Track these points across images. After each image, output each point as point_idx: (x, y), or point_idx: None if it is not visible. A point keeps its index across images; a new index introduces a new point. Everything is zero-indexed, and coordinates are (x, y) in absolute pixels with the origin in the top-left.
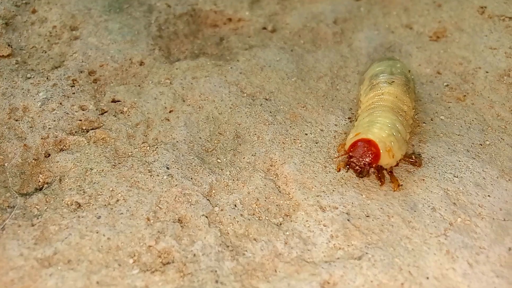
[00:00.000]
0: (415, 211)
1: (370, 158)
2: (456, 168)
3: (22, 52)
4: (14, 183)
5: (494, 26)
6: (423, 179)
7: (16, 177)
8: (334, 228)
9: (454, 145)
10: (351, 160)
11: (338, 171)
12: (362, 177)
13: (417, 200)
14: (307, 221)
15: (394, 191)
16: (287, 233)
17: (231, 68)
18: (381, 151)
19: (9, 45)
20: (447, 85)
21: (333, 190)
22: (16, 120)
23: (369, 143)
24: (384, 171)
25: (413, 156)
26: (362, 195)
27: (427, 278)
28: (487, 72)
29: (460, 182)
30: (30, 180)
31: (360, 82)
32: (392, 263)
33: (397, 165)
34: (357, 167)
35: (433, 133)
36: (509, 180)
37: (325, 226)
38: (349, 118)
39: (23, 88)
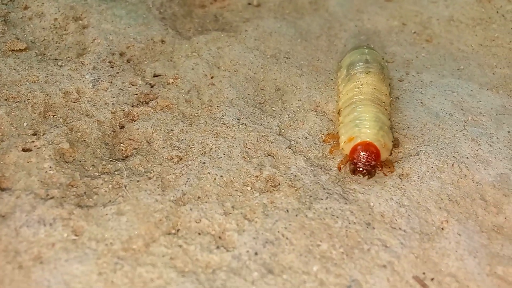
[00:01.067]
0: (438, 117)
1: (373, 160)
2: (450, 86)
3: (36, 45)
4: (103, 153)
5: None
6: (434, 96)
7: (103, 148)
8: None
9: (441, 72)
10: (357, 166)
11: (339, 170)
12: (371, 177)
13: (437, 110)
14: None
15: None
16: None
17: (245, 37)
18: (380, 149)
19: (18, 39)
20: (414, 32)
21: None
22: (74, 102)
23: (368, 145)
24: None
25: (393, 139)
26: (398, 113)
27: (467, 157)
28: (437, 19)
29: (458, 95)
30: (114, 149)
31: (337, 69)
32: (440, 153)
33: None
34: (365, 171)
35: (422, 66)
36: (487, 89)
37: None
38: None
39: (63, 75)
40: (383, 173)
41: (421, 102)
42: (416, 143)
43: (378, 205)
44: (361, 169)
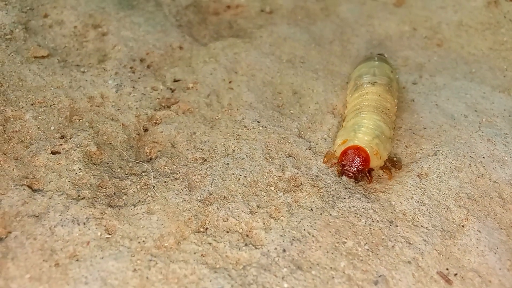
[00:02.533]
0: (454, 119)
1: (361, 164)
2: (463, 89)
3: (58, 52)
4: (129, 156)
5: None
6: (448, 99)
7: (128, 151)
8: (405, 140)
9: (454, 75)
10: (345, 168)
11: (324, 163)
12: (358, 182)
13: (452, 112)
14: None
15: (390, 179)
16: None
17: (260, 42)
18: (370, 155)
19: (40, 46)
20: (425, 37)
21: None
22: (99, 106)
23: (358, 150)
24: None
25: (394, 159)
26: (414, 115)
27: (483, 157)
28: (447, 24)
29: (472, 97)
30: (139, 152)
31: (348, 80)
32: (457, 153)
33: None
34: (352, 174)
35: (435, 69)
36: (499, 91)
37: (398, 140)
38: None
39: (86, 80)
40: (370, 181)
41: (436, 104)
42: (433, 144)
43: (399, 203)
44: (347, 171)
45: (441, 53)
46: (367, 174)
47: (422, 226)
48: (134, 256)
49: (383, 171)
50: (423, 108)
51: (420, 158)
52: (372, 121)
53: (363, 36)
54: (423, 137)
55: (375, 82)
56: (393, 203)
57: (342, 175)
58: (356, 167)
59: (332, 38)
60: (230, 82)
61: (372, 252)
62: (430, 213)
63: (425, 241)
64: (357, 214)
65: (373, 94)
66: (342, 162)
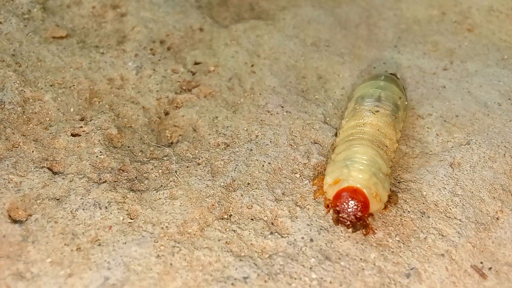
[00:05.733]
0: (487, 107)
1: (360, 210)
2: (496, 76)
3: (77, 33)
4: (150, 139)
5: None
6: (481, 86)
7: (149, 134)
8: (436, 128)
9: (486, 61)
10: (340, 216)
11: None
12: (355, 231)
13: (485, 99)
14: (413, 127)
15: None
16: (403, 138)
17: (283, 25)
18: (369, 199)
19: (58, 26)
20: (455, 21)
21: (422, 102)
22: (119, 89)
23: (355, 192)
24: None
25: (389, 194)
26: (445, 102)
27: None
28: (477, 9)
29: (505, 84)
30: (160, 136)
31: (349, 98)
32: (491, 143)
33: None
34: (349, 223)
35: (466, 55)
36: None
37: (428, 128)
38: (399, 52)
39: (106, 62)
40: (371, 228)
41: (469, 91)
42: (466, 132)
43: (431, 194)
44: (344, 220)
45: (472, 38)
46: (366, 223)
47: (455, 217)
48: (157, 242)
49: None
50: (455, 95)
51: (452, 147)
52: (368, 156)
53: (390, 20)
54: (455, 125)
55: (377, 110)
56: (425, 193)
57: (337, 224)
58: (354, 215)
59: (358, 21)
60: (252, 65)
61: (403, 243)
62: (463, 205)
63: (458, 233)
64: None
65: (372, 127)
66: (337, 208)
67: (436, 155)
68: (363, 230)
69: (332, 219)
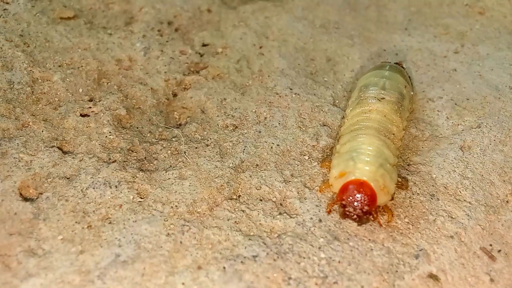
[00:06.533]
0: (498, 90)
1: (367, 204)
2: (508, 60)
3: (84, 14)
4: (159, 121)
5: None
6: (492, 69)
7: (158, 116)
8: (447, 111)
9: (497, 45)
10: (346, 210)
11: (328, 214)
12: (362, 225)
13: (496, 83)
14: (423, 110)
15: (389, 222)
16: (413, 121)
17: (292, 6)
18: (376, 192)
19: (66, 7)
20: (466, 4)
21: (433, 85)
22: (127, 70)
23: (361, 185)
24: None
25: (400, 180)
26: (456, 85)
27: None
28: None
29: None
30: (168, 117)
31: (353, 89)
32: (502, 126)
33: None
34: (356, 216)
35: (477, 38)
36: None
37: (439, 111)
38: (409, 35)
39: (114, 43)
40: (378, 221)
41: (480, 75)
42: (477, 116)
43: (440, 177)
44: (350, 213)
45: (483, 21)
46: (374, 216)
47: (465, 200)
48: (167, 220)
49: (382, 211)
50: (466, 78)
51: (462, 130)
52: (374, 147)
53: (401, 2)
54: (466, 108)
55: (383, 97)
56: (434, 176)
57: (344, 218)
58: (361, 208)
59: (368, 3)
60: (260, 47)
61: (412, 225)
62: (473, 187)
63: (468, 215)
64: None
65: (378, 113)
66: (343, 202)
67: (446, 138)
68: (377, 220)
69: (338, 213)
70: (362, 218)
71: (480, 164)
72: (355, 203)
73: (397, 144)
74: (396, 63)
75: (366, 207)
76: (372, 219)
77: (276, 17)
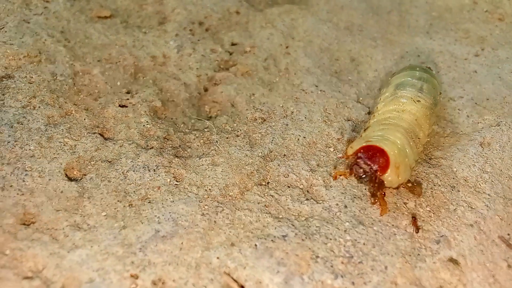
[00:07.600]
0: None
1: (379, 165)
2: None
3: (119, 13)
4: (191, 113)
5: None
6: (511, 72)
7: (190, 108)
8: (467, 110)
9: None
10: (358, 160)
11: (334, 179)
12: (360, 182)
13: None
14: (444, 109)
15: (381, 215)
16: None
17: (317, 10)
18: (390, 164)
19: (103, 7)
20: (486, 11)
21: (454, 86)
22: (161, 66)
23: (381, 152)
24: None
25: (414, 184)
26: (476, 86)
27: None
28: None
29: None
30: (200, 110)
31: (385, 83)
32: None
33: (397, 187)
34: (362, 170)
35: (497, 43)
36: None
37: (459, 110)
38: (430, 38)
39: (149, 41)
40: (377, 205)
41: (499, 77)
42: (496, 115)
43: (461, 170)
44: (358, 165)
45: (503, 27)
46: (378, 193)
47: (484, 192)
48: (202, 202)
49: (378, 200)
50: (486, 80)
51: (482, 128)
52: (400, 141)
53: (422, 7)
54: (486, 107)
55: (419, 100)
56: (455, 169)
57: (352, 171)
58: (370, 166)
59: (390, 8)
60: (287, 47)
61: (433, 213)
62: (492, 181)
63: (487, 206)
64: (418, 177)
65: (410, 115)
66: (358, 154)
67: (466, 135)
68: (378, 204)
69: (347, 165)
70: (366, 175)
71: (499, 160)
72: (367, 159)
73: (419, 149)
74: (428, 67)
75: (376, 167)
76: (375, 194)
77: (302, 19)
